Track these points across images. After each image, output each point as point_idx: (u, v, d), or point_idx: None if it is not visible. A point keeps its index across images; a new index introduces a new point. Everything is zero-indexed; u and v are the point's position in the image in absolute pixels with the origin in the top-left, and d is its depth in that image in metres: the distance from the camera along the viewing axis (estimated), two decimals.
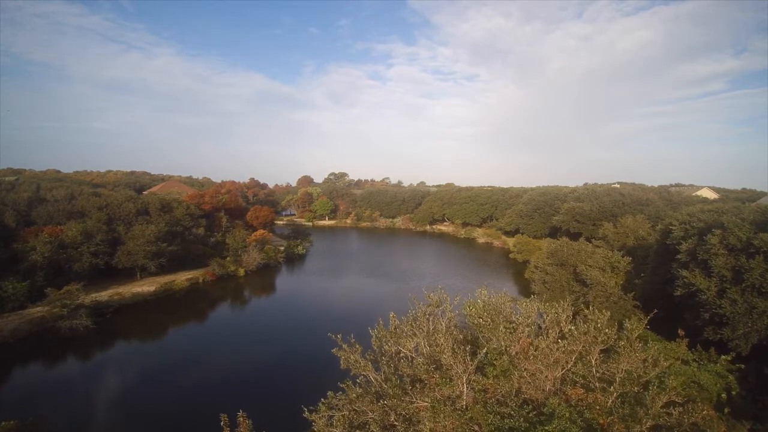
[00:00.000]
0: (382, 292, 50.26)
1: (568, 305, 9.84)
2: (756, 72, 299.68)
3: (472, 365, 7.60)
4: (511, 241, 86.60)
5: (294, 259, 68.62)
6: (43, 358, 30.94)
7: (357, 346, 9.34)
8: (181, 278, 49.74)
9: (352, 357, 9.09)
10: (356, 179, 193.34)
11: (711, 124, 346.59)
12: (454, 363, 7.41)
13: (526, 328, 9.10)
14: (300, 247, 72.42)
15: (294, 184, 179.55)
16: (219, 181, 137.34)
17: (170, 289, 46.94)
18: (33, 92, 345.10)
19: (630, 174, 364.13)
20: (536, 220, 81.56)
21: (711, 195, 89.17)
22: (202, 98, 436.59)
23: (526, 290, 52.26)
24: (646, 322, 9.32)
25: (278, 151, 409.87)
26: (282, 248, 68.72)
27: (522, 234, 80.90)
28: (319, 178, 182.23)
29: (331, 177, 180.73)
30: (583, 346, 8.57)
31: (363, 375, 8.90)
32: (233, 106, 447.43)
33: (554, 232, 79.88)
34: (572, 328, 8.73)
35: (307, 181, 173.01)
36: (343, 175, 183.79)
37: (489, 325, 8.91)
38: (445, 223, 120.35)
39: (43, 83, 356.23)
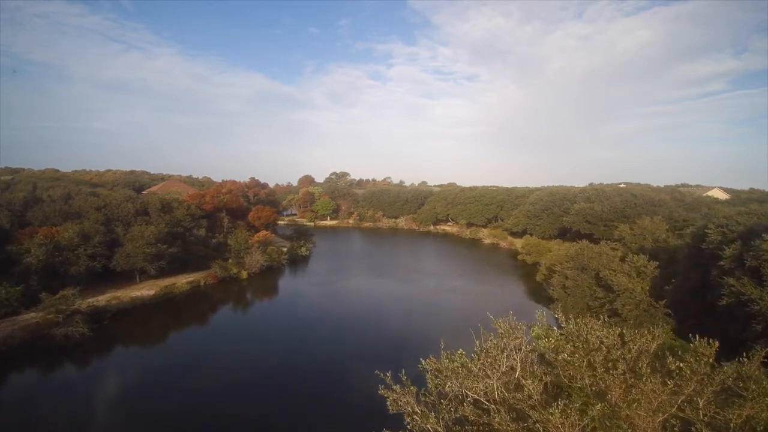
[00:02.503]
0: (392, 294, 48.55)
1: (659, 333, 8.09)
2: (756, 72, 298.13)
3: (580, 421, 5.89)
4: (518, 242, 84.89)
5: (297, 261, 66.83)
6: (36, 366, 29.23)
7: (411, 387, 7.54)
8: (182, 281, 47.92)
9: (403, 399, 7.32)
10: (357, 179, 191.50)
11: (711, 124, 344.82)
12: (560, 421, 5.70)
13: (619, 364, 7.34)
14: (303, 249, 70.66)
15: (294, 183, 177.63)
16: (219, 181, 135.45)
17: (171, 292, 45.12)
18: (33, 92, 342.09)
19: (630, 174, 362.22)
20: (545, 221, 79.83)
21: (721, 195, 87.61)
22: (202, 98, 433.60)
23: (538, 293, 50.53)
24: (762, 354, 7.61)
25: (278, 151, 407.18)
26: (285, 249, 66.93)
27: (530, 235, 79.12)
28: (319, 178, 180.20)
29: (333, 177, 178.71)
30: (694, 388, 6.89)
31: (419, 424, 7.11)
32: (233, 106, 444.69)
33: (563, 233, 78.19)
34: (681, 365, 7.03)
35: (308, 180, 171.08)
36: (345, 174, 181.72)
37: (580, 363, 7.13)
38: (449, 224, 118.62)
39: (43, 83, 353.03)
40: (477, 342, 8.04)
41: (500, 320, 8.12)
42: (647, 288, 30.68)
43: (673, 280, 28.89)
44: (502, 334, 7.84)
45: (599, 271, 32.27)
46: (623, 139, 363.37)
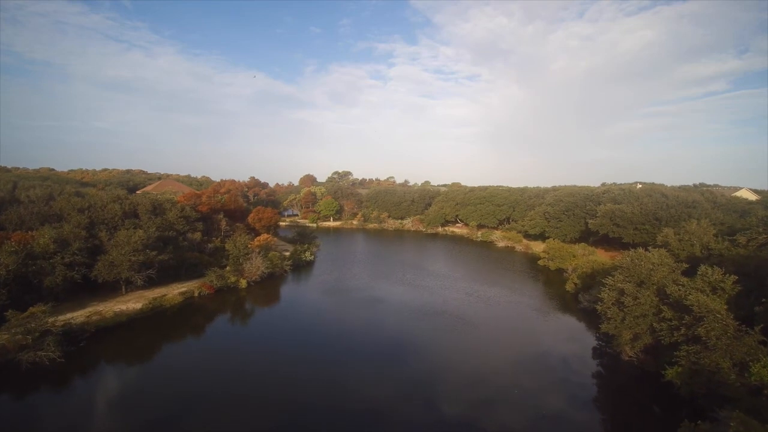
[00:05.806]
0: (418, 308, 43.37)
1: None
2: (758, 72, 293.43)
3: None
4: (534, 245, 79.95)
5: (301, 267, 61.74)
6: None
7: None
8: (174, 292, 42.85)
9: None
10: (360, 178, 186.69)
11: (712, 124, 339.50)
12: None
13: None
14: (307, 253, 65.51)
15: (295, 183, 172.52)
16: (218, 180, 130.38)
17: (160, 305, 40.06)
18: (34, 91, 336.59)
19: (630, 174, 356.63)
20: (565, 223, 74.75)
21: (751, 196, 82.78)
22: (203, 97, 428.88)
23: (572, 306, 45.58)
24: None
25: (279, 151, 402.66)
26: (287, 254, 61.89)
27: (550, 238, 73.95)
28: (321, 178, 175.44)
29: (335, 176, 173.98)
30: None
31: None
32: (234, 105, 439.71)
33: (586, 237, 73.24)
34: None
35: (310, 180, 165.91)
36: (347, 174, 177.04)
37: None
38: (458, 225, 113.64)
39: (45, 82, 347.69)
40: None
41: None
42: (724, 307, 25.68)
43: (763, 300, 23.86)
44: None
45: (664, 287, 27.22)
46: (624, 139, 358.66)
